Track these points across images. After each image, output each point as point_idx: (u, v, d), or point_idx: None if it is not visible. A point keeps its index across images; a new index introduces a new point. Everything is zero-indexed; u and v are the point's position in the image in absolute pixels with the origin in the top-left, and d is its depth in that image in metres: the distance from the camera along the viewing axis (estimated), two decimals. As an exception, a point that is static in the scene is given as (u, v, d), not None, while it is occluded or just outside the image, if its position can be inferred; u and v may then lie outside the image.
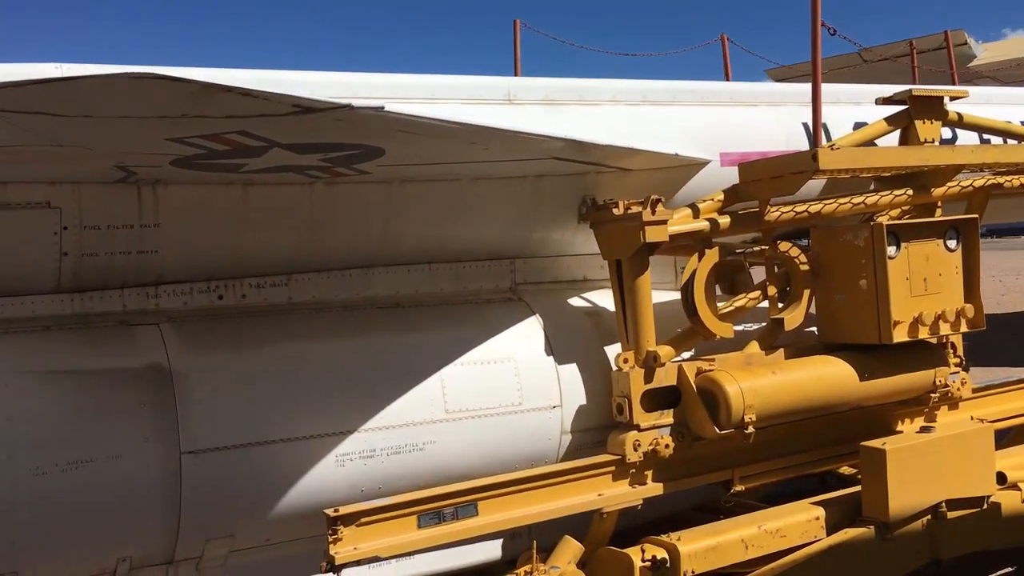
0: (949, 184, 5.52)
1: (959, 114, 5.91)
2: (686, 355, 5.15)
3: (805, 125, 5.99)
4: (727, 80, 8.46)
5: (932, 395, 5.40)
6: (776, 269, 5.32)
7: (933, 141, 5.71)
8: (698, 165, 5.44)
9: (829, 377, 5.04)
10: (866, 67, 17.12)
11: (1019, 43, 17.59)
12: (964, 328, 5.33)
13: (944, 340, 5.63)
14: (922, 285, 5.17)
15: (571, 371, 5.01)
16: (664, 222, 4.77)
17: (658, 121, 5.53)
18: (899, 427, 5.67)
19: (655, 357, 4.80)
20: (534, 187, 5.03)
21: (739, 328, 5.20)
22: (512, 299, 5.21)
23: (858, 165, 4.96)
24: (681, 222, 4.95)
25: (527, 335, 5.01)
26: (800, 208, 5.18)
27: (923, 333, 5.15)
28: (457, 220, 4.92)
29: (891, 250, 5.08)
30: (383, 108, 3.12)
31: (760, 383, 4.83)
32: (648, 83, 5.67)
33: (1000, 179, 5.66)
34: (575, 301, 5.36)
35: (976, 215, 5.35)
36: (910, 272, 5.13)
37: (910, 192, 5.43)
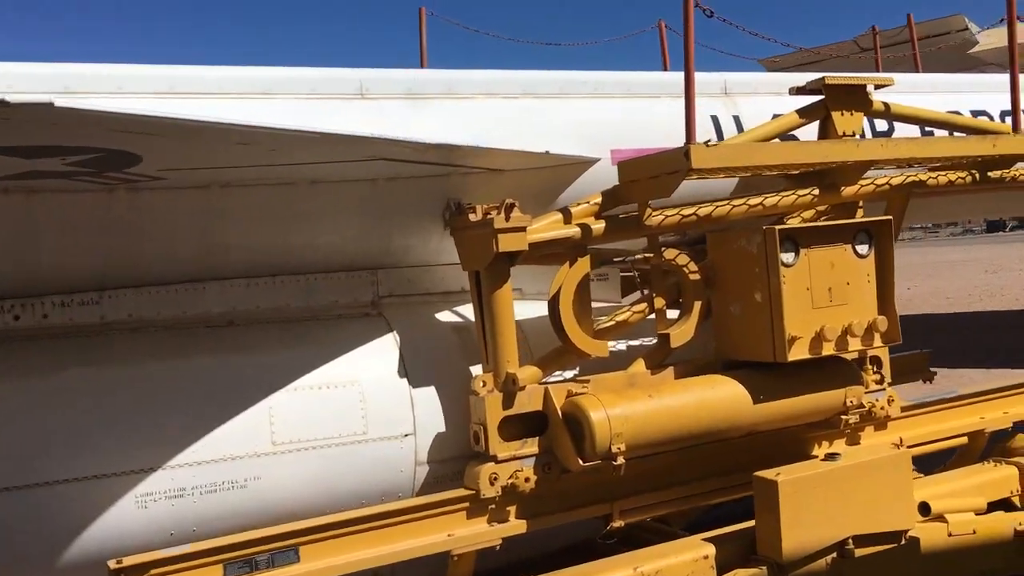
0: (861, 182, 4.95)
1: (886, 104, 5.34)
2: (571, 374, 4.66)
3: (715, 118, 5.46)
4: (665, 70, 7.92)
5: (844, 417, 4.85)
6: (669, 278, 4.79)
7: (854, 134, 5.15)
8: (584, 164, 4.91)
9: (715, 400, 4.50)
10: (865, 56, 16.46)
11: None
12: (878, 343, 4.79)
13: (863, 355, 5.09)
14: (826, 296, 4.63)
15: (428, 395, 4.51)
16: (522, 229, 4.26)
17: (541, 115, 5.00)
18: (816, 451, 5.13)
19: (514, 380, 4.29)
20: (387, 190, 4.52)
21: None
22: (370, 314, 4.71)
23: (738, 163, 4.42)
24: (547, 229, 4.43)
25: (378, 355, 4.51)
26: (688, 211, 4.64)
27: (827, 349, 4.61)
28: (297, 227, 4.43)
29: (787, 257, 4.54)
30: (52, 104, 2.62)
31: (632, 408, 4.31)
32: (532, 74, 5.15)
33: (922, 176, 5.08)
34: (445, 316, 4.85)
35: (889, 217, 4.79)
36: (811, 281, 4.59)
37: (816, 192, 4.87)
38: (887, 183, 4.99)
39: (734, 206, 4.71)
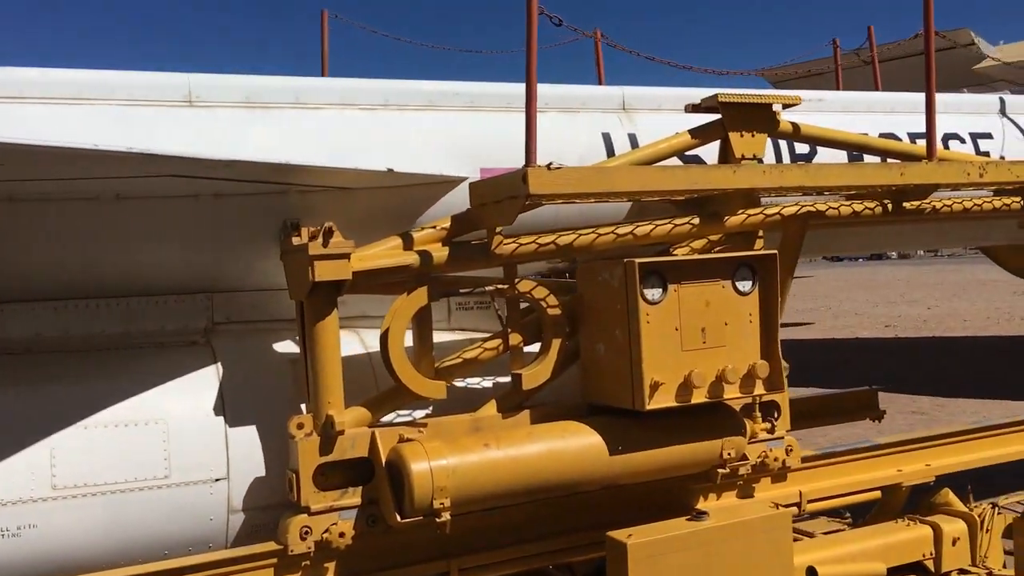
0: (749, 212, 4.47)
1: (795, 125, 4.87)
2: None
3: (607, 136, 5.00)
4: (600, 83, 7.45)
5: (720, 470, 4.37)
6: (529, 312, 4.35)
7: (753, 157, 4.68)
8: (449, 183, 4.49)
9: (564, 451, 4.04)
10: (867, 69, 15.86)
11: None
12: (759, 390, 4.31)
13: (755, 400, 4.62)
14: (698, 337, 4.16)
15: (247, 435, 4.09)
16: (344, 256, 3.83)
17: (404, 129, 4.58)
18: (700, 503, 4.66)
19: (332, 423, 3.86)
20: (213, 208, 4.12)
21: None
22: (197, 343, 4.30)
23: (587, 189, 3.96)
24: (380, 256, 4.00)
25: (192, 390, 4.09)
26: (546, 240, 4.19)
27: (698, 397, 4.14)
28: (109, 246, 4.03)
29: (653, 293, 4.08)
30: None
31: (462, 459, 3.86)
32: (397, 84, 4.72)
33: (820, 207, 4.59)
34: (286, 346, 4.43)
35: (774, 252, 4.31)
36: (681, 321, 4.12)
37: (695, 221, 4.40)
38: (778, 213, 4.50)
39: (599, 235, 4.26)
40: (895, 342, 21.37)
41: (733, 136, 4.66)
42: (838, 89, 8.54)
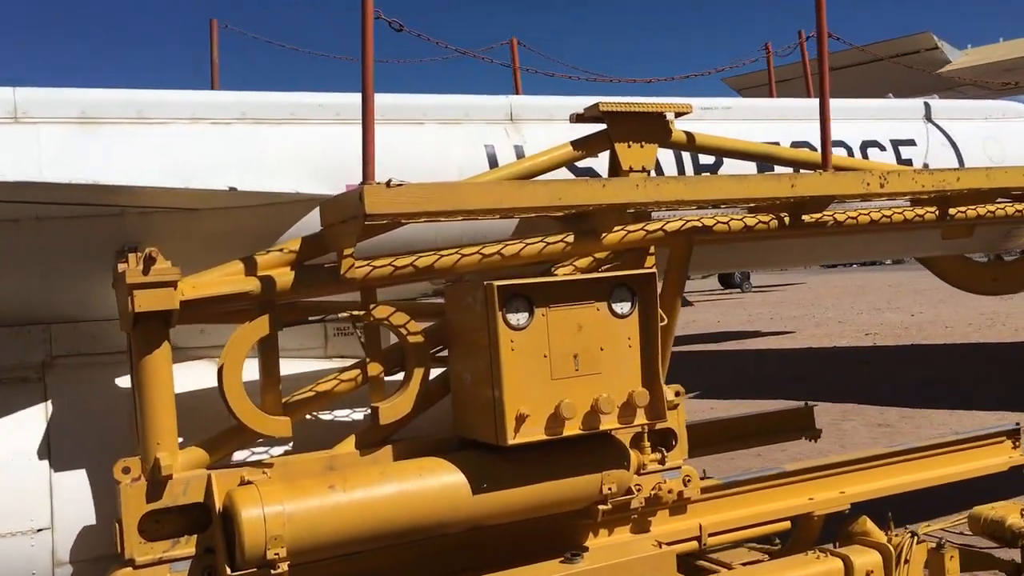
0: (629, 228, 4.16)
1: (689, 135, 4.57)
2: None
3: (490, 148, 4.69)
4: (517, 93, 7.16)
5: (601, 506, 4.04)
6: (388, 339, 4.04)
7: (643, 170, 4.38)
8: (309, 202, 4.17)
9: (421, 492, 3.72)
10: (831, 75, 15.61)
11: (1009, 46, 15.87)
12: (641, 420, 3.99)
13: (644, 429, 4.31)
14: (569, 364, 3.85)
15: (76, 481, 3.76)
16: (171, 284, 3.50)
17: (260, 143, 4.27)
18: (589, 541, 4.35)
19: (159, 466, 3.53)
20: (36, 232, 3.80)
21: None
22: (28, 379, 3.98)
23: (433, 207, 3.64)
24: (216, 284, 3.68)
25: (14, 431, 3.77)
26: (403, 262, 3.87)
27: (571, 429, 3.82)
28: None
29: (517, 317, 3.76)
30: None
31: (301, 505, 3.54)
32: (256, 96, 4.42)
33: (707, 221, 4.27)
34: (128, 381, 4.10)
35: (652, 271, 4.00)
36: (551, 347, 3.81)
37: (570, 238, 4.09)
38: (661, 229, 4.19)
39: (463, 256, 3.94)
40: (872, 351, 21.06)
41: (620, 147, 4.35)
42: (771, 96, 8.24)
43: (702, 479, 5.00)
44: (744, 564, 5.12)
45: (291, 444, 4.06)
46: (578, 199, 3.87)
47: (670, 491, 4.40)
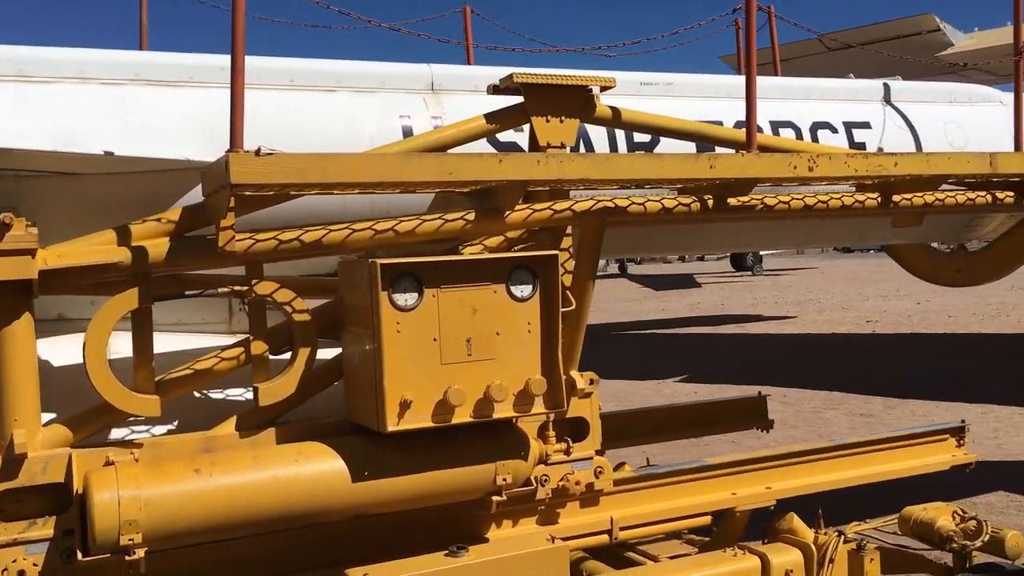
0: (535, 207, 3.95)
1: (615, 110, 4.34)
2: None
3: (405, 119, 4.48)
4: (469, 64, 6.90)
5: (496, 498, 3.85)
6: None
7: (562, 146, 4.16)
8: (197, 170, 3.97)
9: (294, 479, 3.53)
10: (831, 56, 15.25)
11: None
12: (539, 408, 3.79)
13: (549, 419, 4.12)
14: (462, 349, 3.65)
15: (-64, 456, 3.58)
16: (29, 252, 3.31)
17: (152, 106, 4.08)
18: (492, 532, 4.17)
19: (12, 444, 3.36)
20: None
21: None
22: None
23: (306, 179, 3.43)
24: (82, 253, 3.49)
25: None
26: (288, 236, 3.67)
27: (460, 417, 3.63)
28: None
29: (404, 298, 3.57)
30: None
31: (162, 490, 3.36)
32: (151, 56, 4.26)
33: (620, 202, 4.05)
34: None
35: (554, 252, 3.79)
36: (441, 330, 3.61)
37: (470, 216, 3.88)
38: (569, 209, 3.97)
39: (354, 231, 3.73)
40: (870, 338, 20.79)
41: (537, 121, 4.14)
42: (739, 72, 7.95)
43: (644, 467, 4.83)
44: (670, 557, 4.95)
45: (176, 424, 3.89)
46: (471, 174, 3.66)
47: (578, 483, 4.21)
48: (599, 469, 4.31)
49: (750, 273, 51.95)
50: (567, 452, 4.15)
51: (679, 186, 4.35)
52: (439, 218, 3.83)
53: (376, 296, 3.50)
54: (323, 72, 4.44)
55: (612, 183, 3.95)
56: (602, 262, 5.38)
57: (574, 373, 4.21)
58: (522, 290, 3.75)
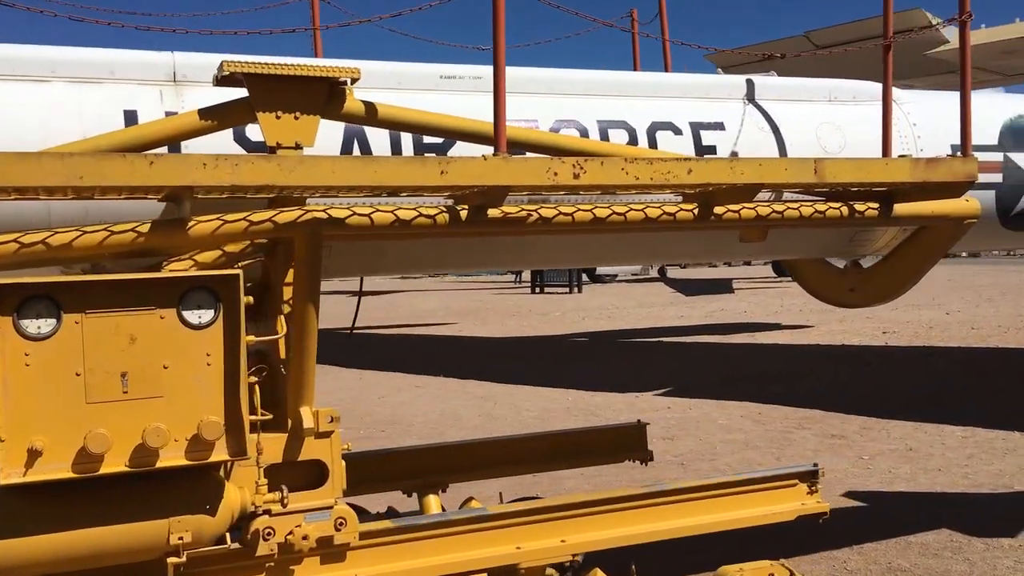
0: (226, 218, 3.38)
1: (370, 106, 3.77)
2: None
3: (131, 115, 3.93)
4: (317, 56, 6.27)
5: (173, 559, 3.29)
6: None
7: (297, 146, 3.60)
8: None
9: None
10: (822, 53, 14.43)
11: (1014, 28, 14.45)
12: (221, 455, 3.23)
13: (228, 466, 3.56)
14: (115, 386, 3.11)
15: None
16: None
17: None
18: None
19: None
20: None
21: None
22: None
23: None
24: None
25: None
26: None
27: (111, 466, 3.09)
28: None
29: (37, 325, 3.03)
30: None
31: None
32: None
33: (338, 211, 3.46)
34: None
35: (237, 272, 3.23)
36: (86, 364, 3.07)
37: (143, 229, 3.32)
38: (269, 220, 3.39)
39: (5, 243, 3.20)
40: (881, 351, 19.85)
41: (265, 118, 3.59)
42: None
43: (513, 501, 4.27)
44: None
45: None
46: (106, 179, 3.10)
47: (305, 537, 3.64)
48: (340, 520, 3.74)
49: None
50: (283, 503, 3.58)
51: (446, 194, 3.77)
52: (104, 230, 3.28)
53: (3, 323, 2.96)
54: (35, 60, 3.90)
55: (308, 190, 3.37)
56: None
57: (305, 410, 3.65)
58: (199, 316, 3.20)
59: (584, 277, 48.58)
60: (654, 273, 54.03)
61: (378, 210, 3.50)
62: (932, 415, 12.49)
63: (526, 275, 49.56)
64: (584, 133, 4.52)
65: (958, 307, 29.97)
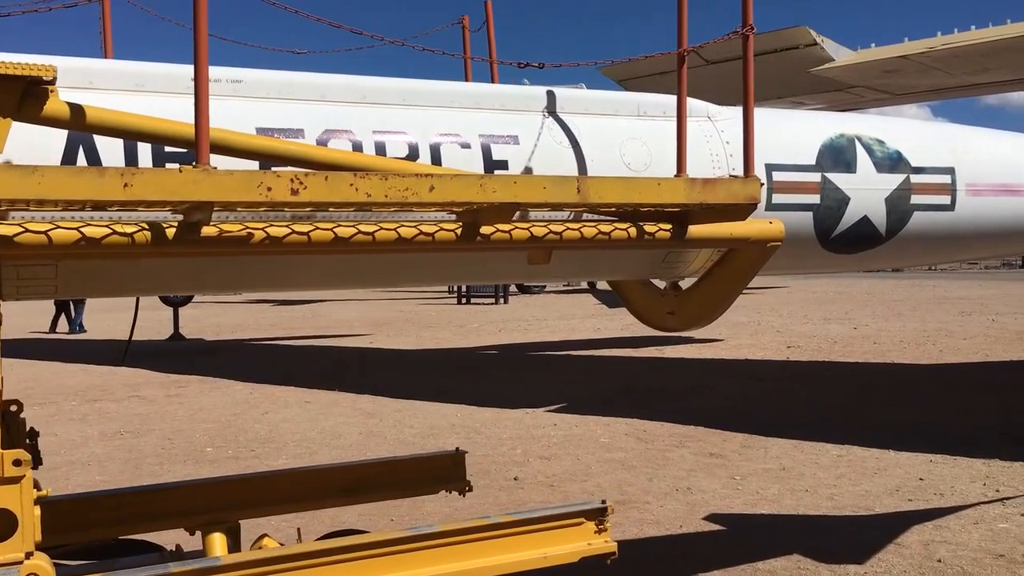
0: None
1: (77, 108, 3.37)
2: None
3: None
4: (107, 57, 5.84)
5: None
6: None
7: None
8: None
9: None
10: (707, 69, 14.27)
11: (892, 48, 14.44)
12: None
13: None
14: None
15: None
16: None
17: None
18: None
19: None
20: None
21: None
22: None
23: None
24: None
25: None
26: None
27: None
28: None
29: None
30: None
31: None
32: None
33: (6, 228, 3.07)
34: None
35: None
36: None
37: None
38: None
39: None
40: (778, 365, 19.83)
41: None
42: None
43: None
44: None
45: None
46: None
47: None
48: (33, 576, 3.33)
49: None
50: (-40, 560, 3.17)
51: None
52: None
53: None
54: None
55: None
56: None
57: (-17, 451, 3.24)
58: None
59: (512, 287, 48.35)
60: (585, 284, 54.02)
61: (58, 227, 3.11)
62: (814, 432, 12.39)
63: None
64: (359, 146, 4.18)
65: (867, 322, 30.28)
